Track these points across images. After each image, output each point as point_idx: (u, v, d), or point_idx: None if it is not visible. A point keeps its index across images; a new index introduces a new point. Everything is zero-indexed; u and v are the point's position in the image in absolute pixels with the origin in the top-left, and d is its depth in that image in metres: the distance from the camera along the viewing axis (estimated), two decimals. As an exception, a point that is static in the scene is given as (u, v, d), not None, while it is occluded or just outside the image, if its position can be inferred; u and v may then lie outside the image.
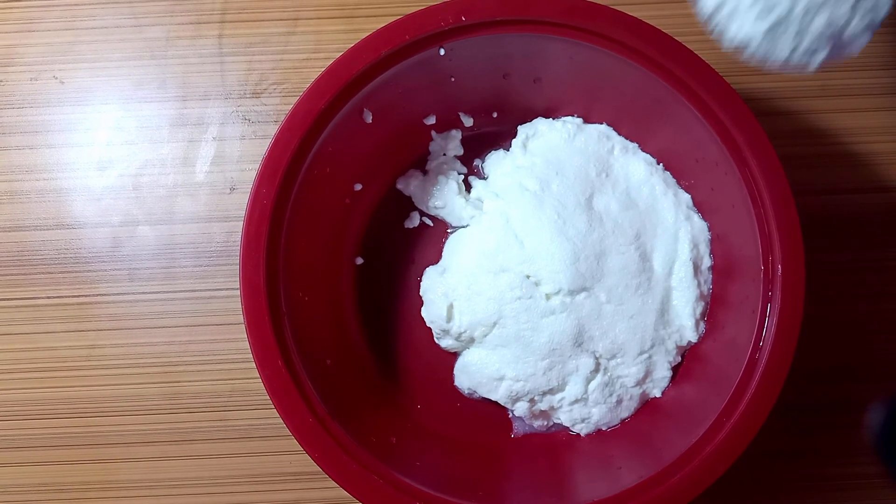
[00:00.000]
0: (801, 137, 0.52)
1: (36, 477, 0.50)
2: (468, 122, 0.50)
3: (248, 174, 0.52)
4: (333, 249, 0.48)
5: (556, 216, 0.45)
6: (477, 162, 0.51)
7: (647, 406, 0.47)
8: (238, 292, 0.41)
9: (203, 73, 0.53)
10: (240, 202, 0.52)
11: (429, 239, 0.50)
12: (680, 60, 0.43)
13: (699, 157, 0.45)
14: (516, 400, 0.46)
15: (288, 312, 0.42)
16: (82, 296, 0.51)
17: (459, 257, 0.47)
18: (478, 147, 0.51)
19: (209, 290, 0.51)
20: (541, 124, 0.49)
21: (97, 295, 0.51)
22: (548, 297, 0.45)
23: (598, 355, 0.45)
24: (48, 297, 0.52)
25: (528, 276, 0.45)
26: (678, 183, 0.48)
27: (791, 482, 0.50)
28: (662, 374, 0.46)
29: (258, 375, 0.41)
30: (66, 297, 0.52)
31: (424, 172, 0.51)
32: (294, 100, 0.43)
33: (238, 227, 0.51)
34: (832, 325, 0.51)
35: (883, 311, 0.51)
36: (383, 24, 0.43)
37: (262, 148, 0.52)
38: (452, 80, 0.47)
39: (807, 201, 0.51)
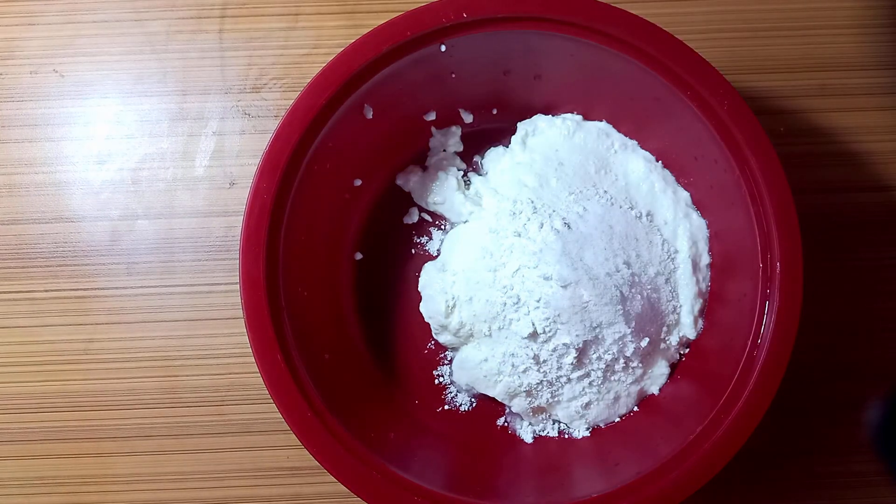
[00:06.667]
0: (800, 136, 0.52)
1: (33, 470, 0.50)
2: (468, 118, 0.50)
3: (247, 169, 0.52)
4: (333, 244, 0.48)
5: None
6: (476, 158, 0.51)
7: (645, 403, 0.47)
8: (236, 287, 0.41)
9: (203, 67, 0.53)
10: (239, 197, 0.52)
11: (428, 235, 0.50)
12: (680, 58, 0.43)
13: (698, 154, 0.45)
14: (514, 396, 0.46)
15: (287, 307, 0.42)
16: (80, 289, 0.51)
17: (458, 253, 0.47)
18: (477, 143, 0.51)
19: (208, 284, 0.51)
20: (540, 121, 0.49)
21: (95, 289, 0.51)
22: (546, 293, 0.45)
23: (596, 351, 0.45)
24: (46, 291, 0.51)
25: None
26: (677, 180, 0.48)
27: (788, 480, 0.50)
28: (660, 371, 0.46)
29: (256, 370, 0.41)
30: (64, 290, 0.51)
31: (424, 168, 0.51)
32: (294, 95, 0.43)
33: (237, 221, 0.51)
34: (830, 323, 0.51)
35: (881, 310, 0.51)
36: (384, 20, 0.43)
37: (261, 143, 0.52)
38: (453, 76, 0.47)
39: (805, 200, 0.51)
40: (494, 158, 0.50)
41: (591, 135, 0.48)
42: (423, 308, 0.48)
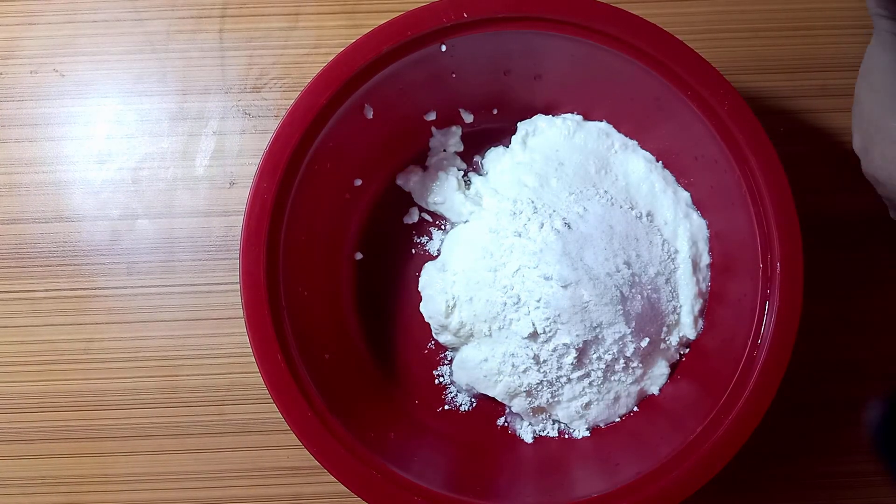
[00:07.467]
0: (801, 136, 0.52)
1: (33, 470, 0.50)
2: (468, 118, 0.50)
3: (247, 169, 0.52)
4: (333, 244, 0.48)
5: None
6: (477, 158, 0.51)
7: (645, 403, 0.47)
8: (236, 287, 0.41)
9: (203, 67, 0.53)
10: (239, 197, 0.52)
11: (428, 235, 0.50)
12: (680, 58, 0.43)
13: (699, 154, 0.45)
14: (514, 396, 0.46)
15: (287, 307, 0.42)
16: (80, 289, 0.51)
17: (458, 253, 0.47)
18: (478, 143, 0.51)
19: (207, 284, 0.51)
20: (541, 121, 0.49)
21: (95, 288, 0.51)
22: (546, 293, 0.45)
23: (596, 351, 0.45)
24: (46, 290, 0.51)
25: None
26: (677, 181, 0.48)
27: (789, 480, 0.50)
28: (661, 371, 0.46)
29: (256, 370, 0.41)
30: (64, 290, 0.51)
31: (424, 168, 0.51)
32: (295, 95, 0.43)
33: (237, 221, 0.51)
34: (830, 323, 0.51)
35: (881, 309, 0.51)
36: (385, 20, 0.43)
37: (262, 143, 0.52)
38: (453, 76, 0.47)
39: (805, 200, 0.51)
40: (495, 158, 0.50)
41: (591, 135, 0.48)
42: (423, 308, 0.48)
